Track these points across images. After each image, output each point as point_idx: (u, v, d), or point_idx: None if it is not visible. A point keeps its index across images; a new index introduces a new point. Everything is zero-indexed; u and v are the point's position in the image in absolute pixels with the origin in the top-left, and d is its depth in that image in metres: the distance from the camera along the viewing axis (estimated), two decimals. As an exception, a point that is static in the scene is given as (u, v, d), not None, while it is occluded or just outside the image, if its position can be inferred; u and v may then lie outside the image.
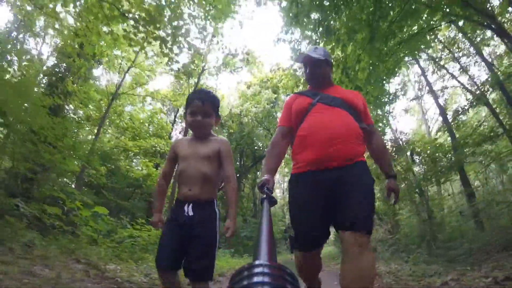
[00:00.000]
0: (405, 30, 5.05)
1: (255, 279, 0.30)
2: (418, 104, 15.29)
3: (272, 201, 1.11)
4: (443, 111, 8.74)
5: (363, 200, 1.37)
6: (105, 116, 7.94)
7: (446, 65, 9.62)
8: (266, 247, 0.44)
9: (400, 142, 11.29)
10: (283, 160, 1.73)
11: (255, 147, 15.75)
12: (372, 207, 1.40)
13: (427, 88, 9.98)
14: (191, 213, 1.43)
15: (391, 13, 4.64)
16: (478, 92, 7.62)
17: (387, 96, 8.49)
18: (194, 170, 1.49)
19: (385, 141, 10.49)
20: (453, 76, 8.72)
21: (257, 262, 0.33)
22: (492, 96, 7.71)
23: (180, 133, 13.73)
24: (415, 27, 5.21)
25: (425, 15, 4.94)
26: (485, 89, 7.29)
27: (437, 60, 9.29)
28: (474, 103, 7.03)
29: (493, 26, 4.93)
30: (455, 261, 3.66)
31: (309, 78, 1.73)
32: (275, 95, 13.32)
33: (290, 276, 0.32)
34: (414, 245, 5.48)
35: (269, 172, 1.54)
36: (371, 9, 4.41)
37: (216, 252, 1.46)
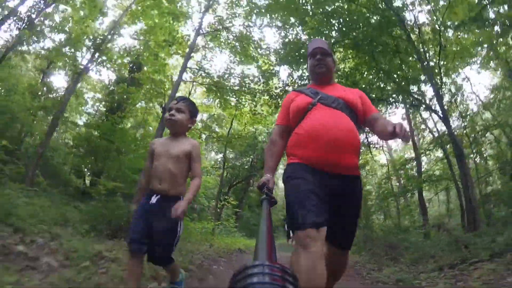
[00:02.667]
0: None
1: (255, 279, 0.32)
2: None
3: (272, 202, 1.14)
4: (415, 146, 11.34)
5: (355, 223, 1.56)
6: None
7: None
8: (266, 247, 0.45)
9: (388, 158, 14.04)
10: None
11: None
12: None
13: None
14: (154, 202, 1.58)
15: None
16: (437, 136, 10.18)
17: None
18: (163, 168, 1.64)
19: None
20: (423, 120, 11.28)
21: (257, 262, 0.35)
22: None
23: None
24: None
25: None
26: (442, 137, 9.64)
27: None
28: (432, 146, 9.58)
29: (439, 113, 7.32)
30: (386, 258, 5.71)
31: (315, 66, 1.68)
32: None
33: (290, 276, 0.33)
34: (370, 242, 7.48)
35: (269, 171, 1.59)
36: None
37: (176, 242, 1.62)
